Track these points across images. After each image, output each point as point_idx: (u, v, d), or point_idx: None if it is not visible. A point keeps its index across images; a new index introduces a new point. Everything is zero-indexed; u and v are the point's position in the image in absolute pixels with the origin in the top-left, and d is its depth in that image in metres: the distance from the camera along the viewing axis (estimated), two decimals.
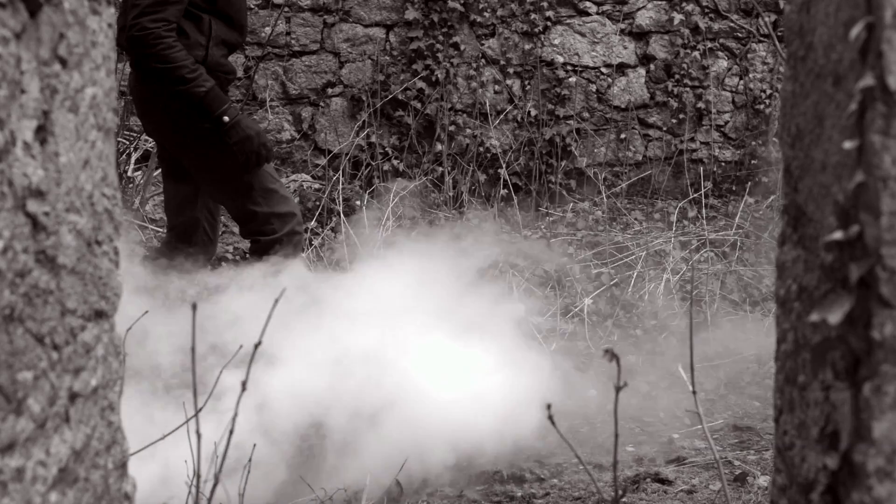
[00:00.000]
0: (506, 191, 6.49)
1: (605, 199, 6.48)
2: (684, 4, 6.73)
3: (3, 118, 1.08)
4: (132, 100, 4.13)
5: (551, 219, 6.32)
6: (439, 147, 6.65)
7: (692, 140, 6.79)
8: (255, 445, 2.47)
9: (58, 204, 1.19)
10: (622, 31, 6.77)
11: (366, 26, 6.73)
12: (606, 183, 6.64)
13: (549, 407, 1.48)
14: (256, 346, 1.50)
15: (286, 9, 6.65)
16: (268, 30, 6.62)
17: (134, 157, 6.10)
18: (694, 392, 1.87)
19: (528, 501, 3.34)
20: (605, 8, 6.76)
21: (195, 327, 1.39)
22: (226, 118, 3.79)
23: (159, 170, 5.98)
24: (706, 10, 6.77)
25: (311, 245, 5.73)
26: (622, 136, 6.80)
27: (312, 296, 3.79)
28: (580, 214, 6.34)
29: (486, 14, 6.70)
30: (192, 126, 3.83)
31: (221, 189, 3.98)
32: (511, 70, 6.75)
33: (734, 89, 6.84)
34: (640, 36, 6.80)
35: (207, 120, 3.78)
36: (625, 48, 6.79)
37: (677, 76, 6.77)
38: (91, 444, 1.27)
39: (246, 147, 3.82)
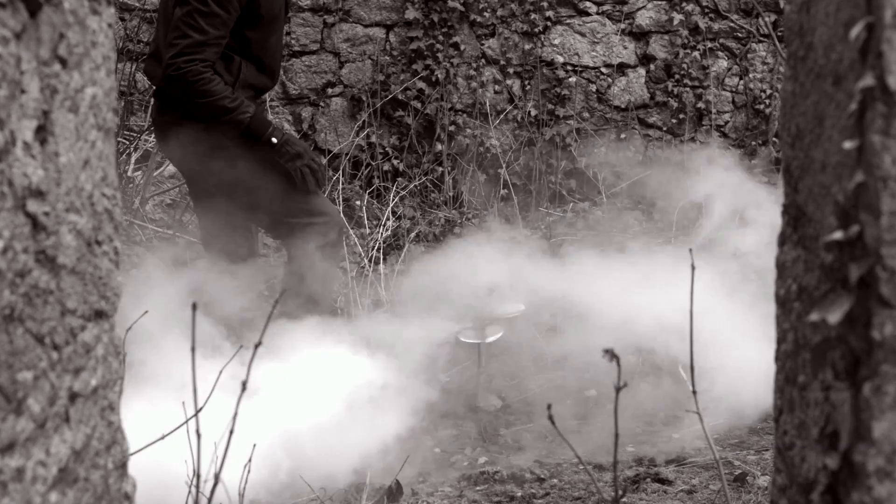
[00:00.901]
0: (506, 191, 6.49)
1: (604, 199, 6.48)
2: (684, 4, 6.73)
3: (3, 118, 1.08)
4: (154, 131, 4.13)
5: (551, 219, 6.32)
6: (439, 147, 6.65)
7: (692, 140, 6.79)
8: (254, 445, 2.47)
9: (58, 204, 1.19)
10: (622, 31, 6.77)
11: (366, 26, 6.73)
12: (606, 183, 6.64)
13: (549, 407, 1.48)
14: (257, 346, 1.50)
15: None
16: None
17: (134, 157, 6.10)
18: (694, 392, 1.87)
19: (528, 501, 3.33)
20: (605, 8, 6.76)
21: (195, 327, 1.39)
22: (274, 139, 3.81)
23: (159, 169, 5.99)
24: (706, 10, 6.76)
25: None
26: (622, 136, 6.80)
27: None
28: (580, 214, 6.34)
29: (486, 14, 6.70)
30: (220, 152, 3.83)
31: (256, 210, 3.97)
32: (511, 70, 6.75)
33: (734, 89, 6.84)
34: (640, 36, 6.80)
35: (256, 144, 3.79)
36: (625, 48, 6.79)
37: (677, 76, 6.77)
38: (91, 444, 1.27)
39: (298, 164, 3.83)
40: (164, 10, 3.88)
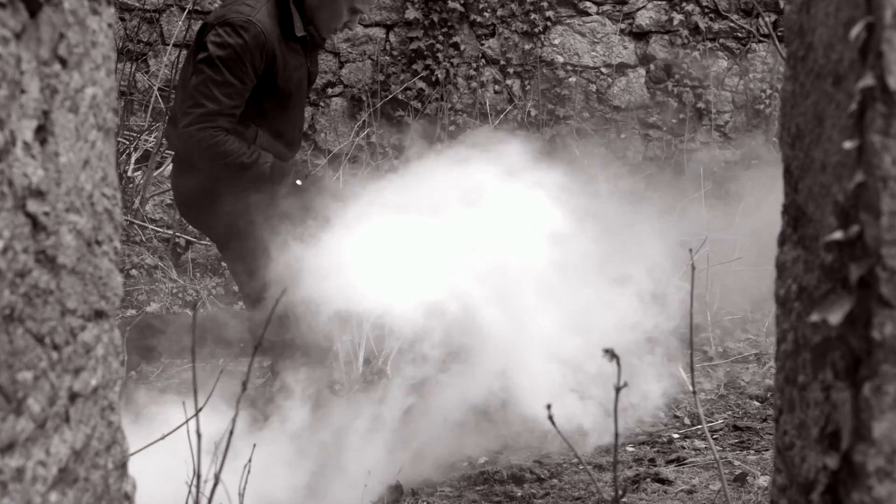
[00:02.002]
0: None
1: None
2: (684, 4, 6.73)
3: (3, 118, 1.08)
4: (174, 196, 4.15)
5: None
6: (439, 147, 6.65)
7: (692, 140, 6.79)
8: (254, 446, 2.47)
9: (58, 204, 1.19)
10: (622, 31, 6.77)
11: (366, 26, 6.73)
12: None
13: (549, 407, 1.48)
14: (257, 346, 1.50)
15: None
16: None
17: (134, 157, 6.10)
18: (694, 392, 1.87)
19: (528, 501, 3.33)
20: (605, 8, 6.75)
21: (195, 327, 1.39)
22: (298, 182, 3.84)
23: (159, 169, 5.99)
24: (706, 10, 6.76)
25: None
26: (622, 136, 6.80)
27: None
28: None
29: (486, 14, 6.70)
30: (246, 206, 3.84)
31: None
32: (511, 70, 6.75)
33: (734, 89, 6.84)
34: (640, 36, 6.80)
35: (280, 189, 3.82)
36: (625, 48, 6.79)
37: (677, 76, 6.77)
38: (91, 444, 1.27)
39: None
40: (183, 76, 3.90)
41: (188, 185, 3.90)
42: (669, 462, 3.63)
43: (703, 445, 3.76)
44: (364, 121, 6.67)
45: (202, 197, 3.86)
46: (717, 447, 3.75)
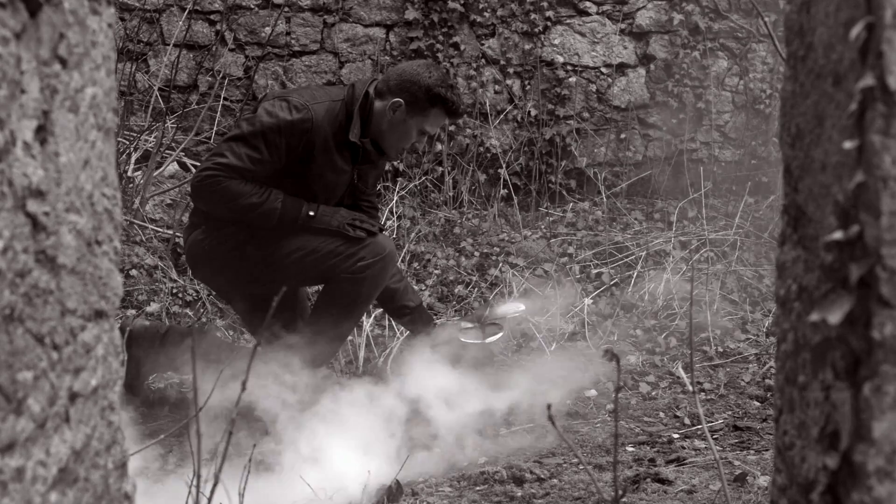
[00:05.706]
0: (506, 191, 6.48)
1: (604, 199, 6.48)
2: (684, 4, 6.73)
3: (3, 118, 1.08)
4: (187, 257, 4.15)
5: (551, 219, 6.32)
6: (439, 147, 6.65)
7: (692, 140, 6.79)
8: (254, 446, 2.47)
9: (58, 204, 1.19)
10: (622, 31, 6.77)
11: (366, 26, 6.73)
12: (606, 183, 6.64)
13: (549, 407, 1.48)
14: (256, 346, 1.50)
15: (286, 9, 6.65)
16: (268, 30, 6.62)
17: (134, 157, 6.10)
18: (694, 392, 1.87)
19: (528, 501, 3.33)
20: (605, 8, 6.75)
21: (195, 329, 1.39)
22: (311, 213, 3.84)
23: (159, 169, 5.98)
24: (706, 10, 6.76)
25: None
26: (622, 136, 6.80)
27: None
28: (580, 214, 6.34)
29: (486, 14, 6.70)
30: (263, 253, 3.85)
31: (308, 276, 3.96)
32: (511, 70, 6.75)
33: (734, 89, 6.84)
34: (640, 36, 6.80)
35: (295, 223, 3.82)
36: (625, 48, 6.79)
37: (677, 76, 6.77)
38: (91, 444, 1.27)
39: (342, 222, 3.88)
40: None
41: (199, 239, 3.91)
42: (669, 462, 3.63)
43: (703, 445, 3.76)
44: None
45: (212, 250, 3.87)
46: (717, 447, 3.75)
